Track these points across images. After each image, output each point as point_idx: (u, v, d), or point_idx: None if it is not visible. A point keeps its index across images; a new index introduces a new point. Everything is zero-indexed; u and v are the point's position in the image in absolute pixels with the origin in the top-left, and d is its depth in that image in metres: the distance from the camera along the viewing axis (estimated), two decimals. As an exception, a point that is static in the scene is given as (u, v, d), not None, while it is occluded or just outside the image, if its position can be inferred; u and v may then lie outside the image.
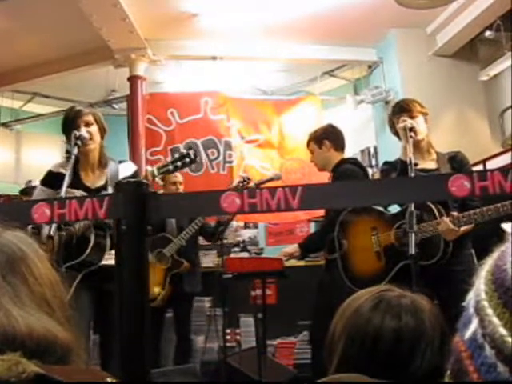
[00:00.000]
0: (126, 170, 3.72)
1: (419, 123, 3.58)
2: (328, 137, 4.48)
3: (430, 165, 3.59)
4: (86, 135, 3.52)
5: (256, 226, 8.36)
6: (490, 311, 0.54)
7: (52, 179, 3.56)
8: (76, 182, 3.53)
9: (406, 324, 1.33)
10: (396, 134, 3.69)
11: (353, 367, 1.34)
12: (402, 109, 3.64)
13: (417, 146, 3.57)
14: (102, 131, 3.69)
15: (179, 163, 3.30)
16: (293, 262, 4.67)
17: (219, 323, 5.20)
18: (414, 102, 3.69)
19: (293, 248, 4.46)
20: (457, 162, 3.48)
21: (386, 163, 3.91)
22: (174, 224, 5.20)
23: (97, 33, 6.15)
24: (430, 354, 1.31)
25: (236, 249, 7.51)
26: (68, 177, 3.27)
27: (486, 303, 0.55)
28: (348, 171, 4.27)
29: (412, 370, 1.29)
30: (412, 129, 3.49)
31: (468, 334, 0.56)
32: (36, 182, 6.34)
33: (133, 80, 6.89)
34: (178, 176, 5.27)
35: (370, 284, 1.56)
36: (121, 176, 3.60)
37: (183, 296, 5.20)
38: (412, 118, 3.58)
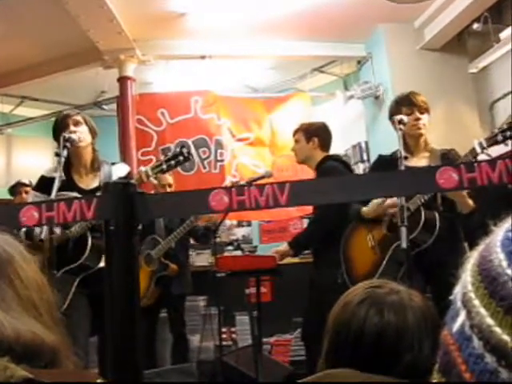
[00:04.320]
0: (119, 171, 3.72)
1: (425, 119, 3.62)
2: (319, 135, 4.49)
3: (422, 162, 3.60)
4: (75, 137, 3.52)
5: (249, 225, 8.37)
6: (476, 302, 0.54)
7: (45, 184, 3.55)
8: (70, 185, 3.54)
9: (387, 321, 1.34)
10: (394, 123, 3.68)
11: (337, 360, 1.35)
12: (413, 103, 3.63)
13: (416, 140, 3.61)
14: (93, 132, 3.70)
15: (173, 162, 3.28)
16: (287, 259, 4.67)
17: (214, 322, 5.20)
18: (422, 96, 3.69)
19: (284, 247, 4.47)
20: (449, 160, 3.48)
21: (380, 157, 3.90)
22: (161, 225, 5.19)
23: (85, 34, 6.13)
24: (419, 351, 1.31)
25: (230, 247, 7.52)
26: (58, 179, 3.27)
27: (472, 294, 0.55)
28: (331, 168, 4.29)
29: (403, 366, 1.29)
30: (416, 125, 3.54)
31: (456, 326, 0.56)
32: (25, 180, 6.32)
33: (122, 81, 6.87)
34: (169, 178, 5.28)
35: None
36: (114, 177, 3.61)
37: (173, 298, 5.19)
38: (421, 113, 3.61)
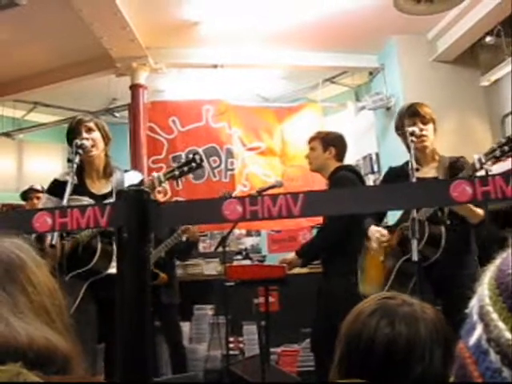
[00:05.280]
0: (132, 178, 3.71)
1: (429, 130, 3.59)
2: (336, 145, 4.49)
3: (431, 172, 3.58)
4: (87, 144, 3.53)
5: (258, 234, 8.35)
6: (494, 316, 0.54)
7: (58, 188, 3.55)
8: (82, 190, 3.55)
9: (398, 333, 1.34)
10: (402, 135, 3.66)
11: (348, 369, 1.36)
12: (416, 113, 3.61)
13: (422, 152, 3.59)
14: (106, 139, 3.70)
15: (185, 168, 3.29)
16: (295, 269, 4.66)
17: (222, 331, 5.20)
18: (427, 107, 3.66)
19: (291, 256, 4.46)
20: (458, 169, 3.44)
21: (391, 170, 3.89)
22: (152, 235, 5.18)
23: (98, 42, 6.16)
24: (430, 363, 1.31)
25: (238, 256, 7.49)
26: (70, 185, 3.28)
27: (490, 308, 0.54)
28: (344, 178, 4.29)
29: (413, 378, 1.29)
30: (421, 136, 3.50)
31: (472, 340, 0.56)
32: (37, 187, 6.35)
33: (134, 88, 6.90)
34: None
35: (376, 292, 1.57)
36: (126, 185, 3.60)
37: (163, 307, 5.19)
38: (424, 124, 3.58)
